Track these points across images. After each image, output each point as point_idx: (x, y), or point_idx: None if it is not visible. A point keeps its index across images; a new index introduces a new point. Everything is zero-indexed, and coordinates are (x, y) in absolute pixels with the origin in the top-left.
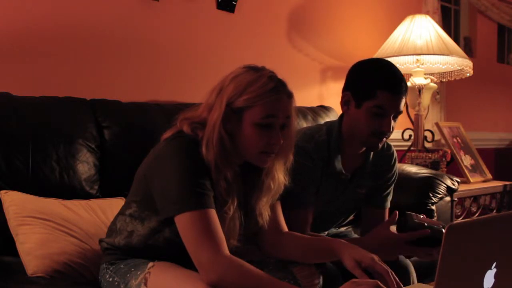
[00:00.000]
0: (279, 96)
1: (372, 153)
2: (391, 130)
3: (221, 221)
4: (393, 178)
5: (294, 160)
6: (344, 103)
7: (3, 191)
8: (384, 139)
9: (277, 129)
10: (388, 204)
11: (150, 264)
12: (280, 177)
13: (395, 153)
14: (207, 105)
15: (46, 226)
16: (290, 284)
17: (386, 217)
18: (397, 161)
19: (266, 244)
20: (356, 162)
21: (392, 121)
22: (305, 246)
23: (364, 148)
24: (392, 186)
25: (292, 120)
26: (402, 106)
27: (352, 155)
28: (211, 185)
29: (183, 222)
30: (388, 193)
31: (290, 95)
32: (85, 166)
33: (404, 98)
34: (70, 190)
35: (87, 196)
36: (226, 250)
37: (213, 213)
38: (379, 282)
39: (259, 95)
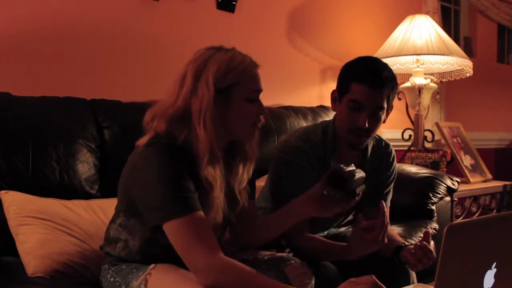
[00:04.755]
0: (256, 69)
1: (369, 151)
2: (375, 126)
3: (210, 206)
4: (392, 176)
5: (291, 161)
6: (332, 100)
7: (3, 191)
8: (367, 136)
9: (260, 101)
10: (388, 203)
11: (152, 265)
12: (253, 149)
13: (394, 152)
14: (180, 93)
15: (46, 226)
16: (284, 284)
17: (387, 217)
18: (395, 160)
19: (239, 234)
20: (353, 161)
21: (373, 117)
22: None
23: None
24: (392, 185)
25: None
26: (382, 101)
27: (349, 154)
28: (195, 179)
29: (172, 230)
30: (388, 192)
31: (258, 67)
32: (85, 166)
33: (383, 92)
34: (70, 190)
35: (87, 196)
36: (220, 252)
37: (199, 215)
38: (375, 278)
39: (244, 69)
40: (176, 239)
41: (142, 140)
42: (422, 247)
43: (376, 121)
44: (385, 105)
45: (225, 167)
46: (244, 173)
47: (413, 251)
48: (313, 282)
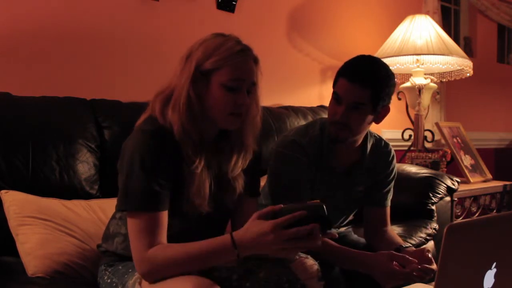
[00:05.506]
0: (246, 58)
1: (368, 149)
2: (354, 122)
3: (190, 179)
4: (392, 175)
5: (289, 155)
6: None
7: (3, 191)
8: (346, 130)
9: (244, 91)
10: (389, 203)
11: None
12: (248, 141)
13: (393, 151)
14: (176, 72)
15: (46, 226)
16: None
17: (388, 217)
18: (395, 159)
19: None
20: (351, 157)
21: (351, 112)
22: None
23: (358, 143)
24: (392, 184)
25: (257, 88)
26: (362, 97)
27: (347, 149)
28: (180, 156)
29: (129, 219)
30: (388, 191)
31: (256, 60)
32: (85, 166)
33: (363, 88)
34: (70, 190)
35: (87, 196)
36: (152, 247)
37: (157, 215)
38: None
39: (227, 56)
40: (128, 228)
41: (138, 121)
42: (423, 270)
43: (356, 117)
44: (368, 103)
45: (219, 152)
46: (238, 161)
47: (415, 273)
48: (320, 274)
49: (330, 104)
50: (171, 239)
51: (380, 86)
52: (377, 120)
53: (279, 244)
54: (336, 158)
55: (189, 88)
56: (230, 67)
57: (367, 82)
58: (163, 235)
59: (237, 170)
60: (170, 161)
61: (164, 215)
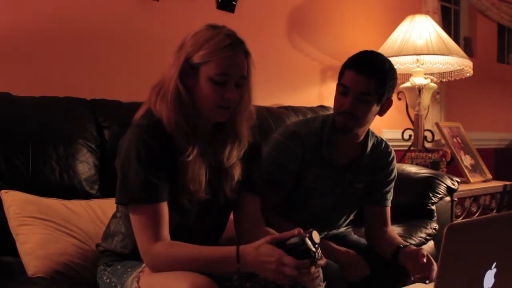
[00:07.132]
0: (234, 52)
1: (369, 147)
2: (361, 112)
3: (184, 168)
4: (392, 175)
5: (284, 142)
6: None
7: (3, 191)
8: (353, 120)
9: (231, 85)
10: (389, 203)
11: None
12: (242, 131)
13: (393, 153)
14: (169, 64)
15: (47, 226)
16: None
17: (388, 217)
18: (395, 160)
19: (242, 234)
20: (351, 152)
21: (358, 102)
22: None
23: (361, 138)
24: (392, 185)
25: (248, 81)
26: (369, 88)
27: (347, 144)
28: (173, 148)
29: (131, 212)
30: (388, 191)
31: (247, 54)
32: (85, 166)
33: (370, 79)
34: (70, 190)
35: (87, 196)
36: (160, 239)
37: (158, 206)
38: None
39: (215, 51)
40: (132, 222)
41: (136, 115)
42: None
43: (362, 107)
44: (374, 93)
45: (213, 141)
46: (232, 151)
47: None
48: (321, 275)
49: (335, 97)
50: (171, 234)
51: (385, 78)
52: (381, 113)
53: (277, 275)
54: (336, 152)
55: (178, 80)
56: (217, 61)
57: (373, 73)
58: (166, 226)
59: (232, 159)
60: (166, 153)
61: (165, 206)
